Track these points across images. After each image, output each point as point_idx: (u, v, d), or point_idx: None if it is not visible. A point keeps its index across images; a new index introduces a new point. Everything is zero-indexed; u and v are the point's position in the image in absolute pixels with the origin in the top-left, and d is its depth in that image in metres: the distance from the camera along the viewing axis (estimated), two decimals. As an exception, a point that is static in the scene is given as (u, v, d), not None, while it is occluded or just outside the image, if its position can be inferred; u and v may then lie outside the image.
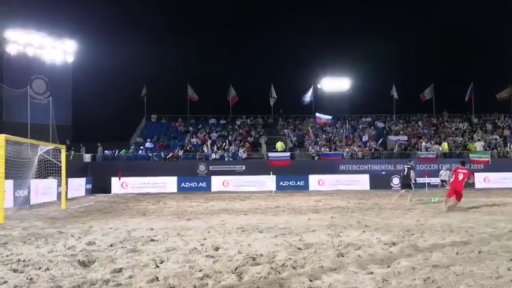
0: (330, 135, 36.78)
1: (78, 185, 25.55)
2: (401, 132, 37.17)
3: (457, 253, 7.49)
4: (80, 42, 36.65)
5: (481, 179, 29.56)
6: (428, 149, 32.99)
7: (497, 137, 35.83)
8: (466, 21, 45.12)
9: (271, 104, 40.87)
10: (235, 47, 46.30)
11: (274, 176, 28.17)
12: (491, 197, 21.27)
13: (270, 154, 32.09)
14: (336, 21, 50.18)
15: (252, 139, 35.67)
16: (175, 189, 29.15)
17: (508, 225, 10.99)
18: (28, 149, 20.72)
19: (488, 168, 30.58)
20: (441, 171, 28.78)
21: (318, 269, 6.41)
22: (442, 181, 27.88)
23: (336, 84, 41.88)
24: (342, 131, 37.90)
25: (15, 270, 6.48)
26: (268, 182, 28.22)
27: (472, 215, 13.66)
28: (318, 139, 35.54)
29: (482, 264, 6.61)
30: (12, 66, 32.90)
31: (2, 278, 6.00)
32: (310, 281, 5.76)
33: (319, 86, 42.28)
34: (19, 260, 7.16)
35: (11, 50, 33.11)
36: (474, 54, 47.74)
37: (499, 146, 34.31)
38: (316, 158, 32.49)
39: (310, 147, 33.79)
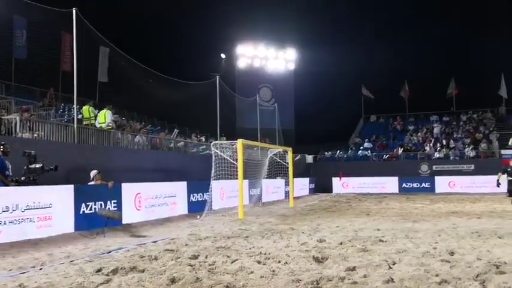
0: None
1: (302, 185, 27.08)
2: None
3: None
4: (299, 50, 38.81)
5: None
6: None
7: None
8: None
9: (504, 95, 36.61)
10: (456, 37, 42.84)
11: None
12: None
13: (503, 151, 28.85)
14: None
15: (481, 135, 32.59)
16: (396, 190, 28.51)
17: None
18: (259, 152, 22.75)
19: None
20: None
21: None
22: None
23: None
24: None
25: (259, 262, 7.12)
26: (502, 182, 25.38)
27: None
28: None
29: None
30: (242, 77, 36.72)
31: (249, 268, 6.63)
32: None
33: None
34: (261, 253, 7.84)
35: (241, 63, 37.01)
36: None
37: None
38: None
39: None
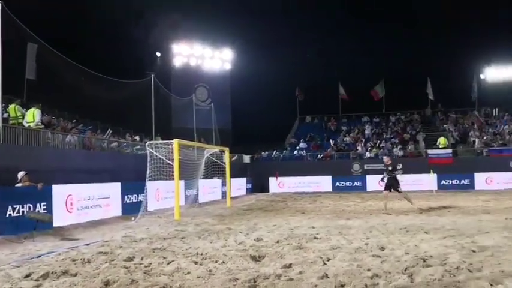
0: (498, 129, 33.55)
1: (239, 185, 27.20)
2: None
3: None
4: (236, 50, 38.96)
5: None
6: None
7: None
8: None
9: (431, 97, 38.60)
10: (388, 41, 44.72)
11: (435, 175, 26.61)
12: None
13: (429, 151, 30.44)
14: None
15: (409, 136, 34.21)
16: (329, 189, 29.32)
17: None
18: (195, 152, 22.59)
19: None
20: None
21: (498, 273, 5.90)
22: None
23: (503, 72, 38.13)
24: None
25: (195, 262, 7.09)
26: (427, 180, 26.77)
27: None
28: (484, 133, 32.68)
29: None
30: (178, 76, 36.32)
31: (186, 269, 6.60)
32: (491, 285, 5.34)
33: (482, 76, 38.94)
34: (197, 253, 7.81)
35: (177, 62, 36.61)
36: None
37: None
38: (483, 153, 29.94)
39: (476, 143, 31.16)
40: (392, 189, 15.53)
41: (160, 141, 16.90)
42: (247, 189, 29.20)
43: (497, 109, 37.00)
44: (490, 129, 33.59)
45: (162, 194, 17.41)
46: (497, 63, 38.70)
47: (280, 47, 44.51)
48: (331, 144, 33.96)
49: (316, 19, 48.01)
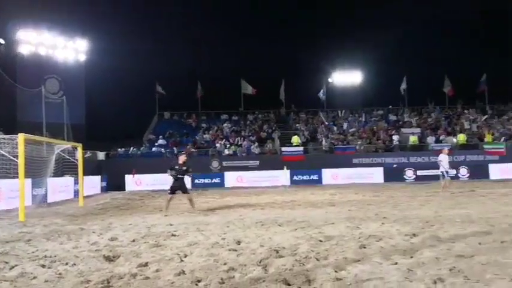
0: (343, 129, 36.71)
1: (93, 183, 25.86)
2: (413, 124, 37.05)
3: (479, 243, 7.45)
4: (92, 41, 36.87)
5: (496, 170, 29.38)
6: (443, 141, 32.77)
7: (512, 127, 35.54)
8: (478, 11, 44.65)
9: (282, 98, 40.82)
10: (246, 42, 46.23)
11: (288, 171, 28.22)
12: (508, 187, 21.08)
13: (283, 149, 32.12)
14: (346, 14, 49.83)
15: (265, 134, 35.74)
16: (189, 186, 29.06)
17: (528, 215, 10.92)
18: (44, 148, 20.95)
19: (504, 159, 30.23)
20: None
21: (342, 260, 6.43)
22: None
23: (347, 77, 41.87)
24: (356, 123, 37.83)
25: (43, 266, 6.57)
26: (282, 176, 28.26)
27: (491, 206, 13.58)
28: (330, 133, 35.49)
29: (507, 254, 6.58)
30: (25, 66, 33.19)
31: (32, 273, 6.09)
32: (336, 271, 5.78)
33: (330, 80, 42.29)
34: (45, 256, 7.25)
35: (24, 50, 33.46)
36: (487, 44, 47.18)
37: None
38: (329, 151, 32.49)
39: (323, 141, 33.73)
40: (177, 192, 14.58)
41: (3, 136, 15.34)
42: (102, 187, 27.86)
43: (343, 111, 40.50)
44: (336, 129, 36.59)
45: (5, 194, 15.83)
46: (343, 69, 42.29)
47: (140, 41, 43.33)
48: (194, 142, 34.00)
49: (175, 13, 47.73)
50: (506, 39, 45.12)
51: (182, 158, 15.00)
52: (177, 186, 14.51)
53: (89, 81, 37.41)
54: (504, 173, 28.95)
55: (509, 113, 38.94)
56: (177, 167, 14.54)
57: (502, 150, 30.51)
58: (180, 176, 14.49)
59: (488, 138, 32.78)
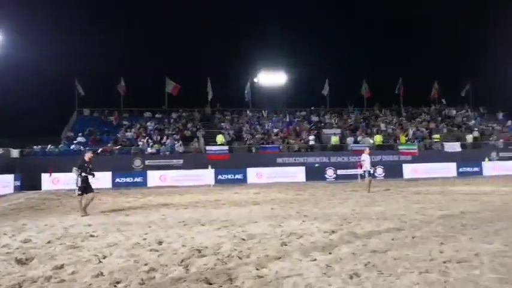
0: (267, 128, 37.24)
1: (6, 182, 24.33)
2: (334, 125, 38.43)
3: (392, 239, 7.88)
4: (6, 34, 34.59)
5: (409, 170, 31.18)
6: (360, 142, 34.21)
7: (424, 129, 37.86)
8: (395, 19, 47.31)
9: (209, 97, 40.68)
10: (171, 40, 45.63)
11: (213, 170, 28.13)
12: (419, 186, 22.43)
13: (208, 148, 31.97)
14: (272, 14, 50.74)
15: (189, 132, 35.42)
16: (109, 185, 28.30)
17: (436, 212, 11.68)
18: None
19: (416, 159, 32.10)
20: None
21: (263, 258, 6.53)
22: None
23: (272, 78, 42.53)
24: (280, 123, 38.51)
25: None
26: (206, 176, 28.14)
27: (403, 203, 14.37)
28: (255, 132, 35.88)
29: (417, 249, 7.00)
30: None
31: None
32: (257, 269, 5.87)
33: (255, 79, 42.73)
34: None
35: None
36: (403, 50, 50.16)
37: (425, 138, 36.27)
38: (254, 151, 32.83)
39: (247, 141, 34.04)
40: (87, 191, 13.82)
41: None
42: (15, 186, 26.21)
43: (267, 110, 41.09)
44: (260, 129, 37.04)
45: None
46: (268, 69, 42.87)
47: (59, 34, 41.37)
48: (117, 140, 32.91)
49: (99, 7, 46.10)
50: (423, 45, 48.35)
51: (88, 155, 14.33)
52: (86, 186, 13.77)
53: (2, 76, 35.11)
54: (416, 173, 30.86)
55: (421, 116, 41.56)
56: (85, 164, 13.92)
57: (415, 151, 32.33)
58: (89, 174, 13.83)
59: (402, 139, 34.68)
